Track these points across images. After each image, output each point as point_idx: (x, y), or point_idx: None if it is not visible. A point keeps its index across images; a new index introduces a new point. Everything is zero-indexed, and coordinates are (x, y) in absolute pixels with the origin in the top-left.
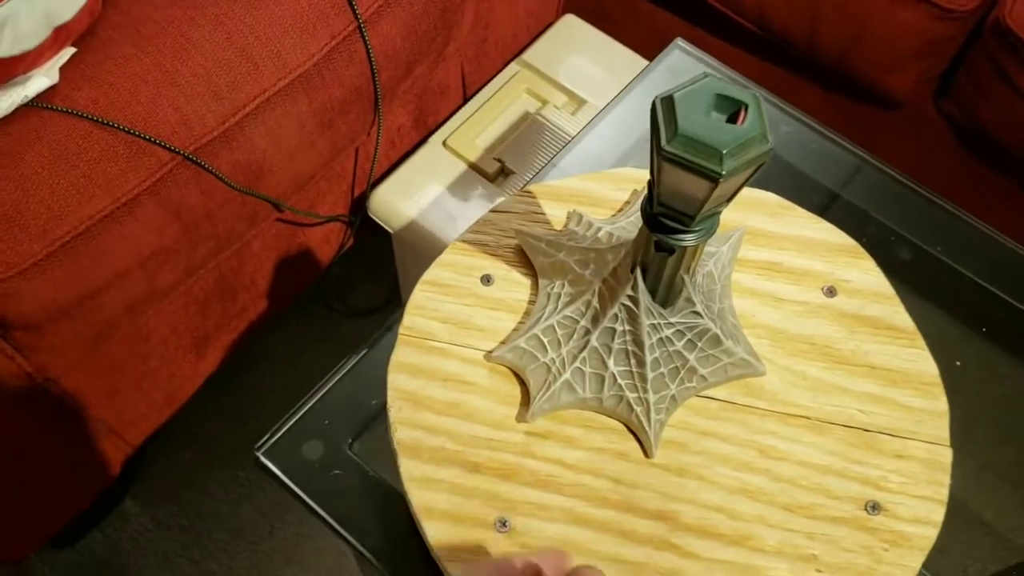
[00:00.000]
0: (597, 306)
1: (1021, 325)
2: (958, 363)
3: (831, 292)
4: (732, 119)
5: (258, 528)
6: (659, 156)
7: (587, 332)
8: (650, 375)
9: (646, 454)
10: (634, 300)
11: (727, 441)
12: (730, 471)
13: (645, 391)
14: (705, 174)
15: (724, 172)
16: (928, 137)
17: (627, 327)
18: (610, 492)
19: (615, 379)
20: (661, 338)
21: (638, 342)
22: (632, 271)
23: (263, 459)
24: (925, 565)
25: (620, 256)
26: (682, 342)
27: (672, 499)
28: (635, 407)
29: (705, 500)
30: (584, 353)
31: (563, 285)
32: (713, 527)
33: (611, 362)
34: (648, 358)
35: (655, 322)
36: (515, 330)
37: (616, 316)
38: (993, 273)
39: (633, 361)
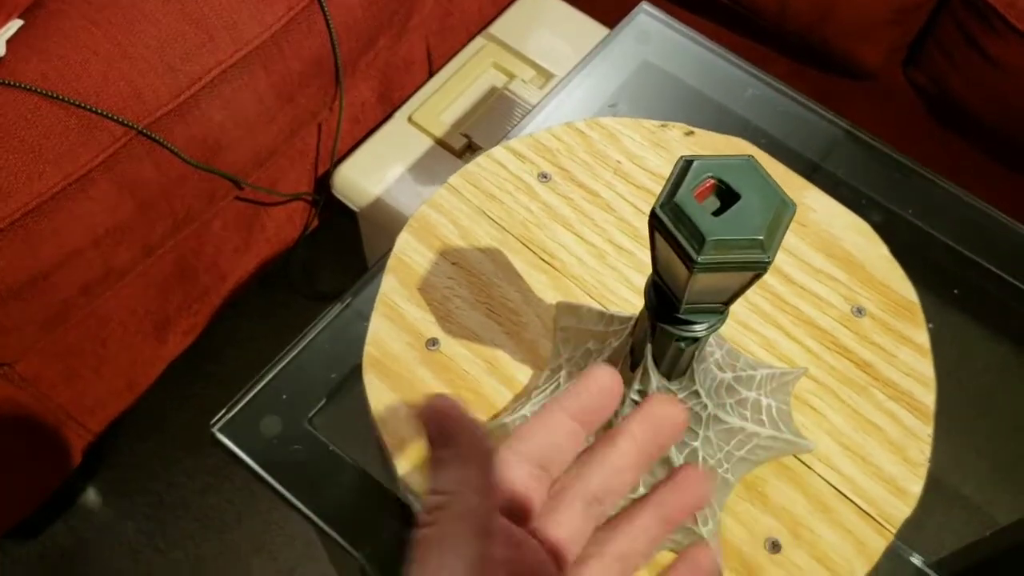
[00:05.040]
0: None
1: (992, 286)
2: (931, 325)
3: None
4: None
5: (226, 517)
6: (652, 214)
7: None
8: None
9: None
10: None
11: None
12: None
13: None
14: (683, 255)
15: (700, 261)
16: (898, 107)
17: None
18: None
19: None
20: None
21: None
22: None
23: (219, 435)
24: (902, 539)
25: (621, 337)
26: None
27: None
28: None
29: None
30: None
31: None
32: None
33: None
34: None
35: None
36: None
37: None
38: (963, 235)
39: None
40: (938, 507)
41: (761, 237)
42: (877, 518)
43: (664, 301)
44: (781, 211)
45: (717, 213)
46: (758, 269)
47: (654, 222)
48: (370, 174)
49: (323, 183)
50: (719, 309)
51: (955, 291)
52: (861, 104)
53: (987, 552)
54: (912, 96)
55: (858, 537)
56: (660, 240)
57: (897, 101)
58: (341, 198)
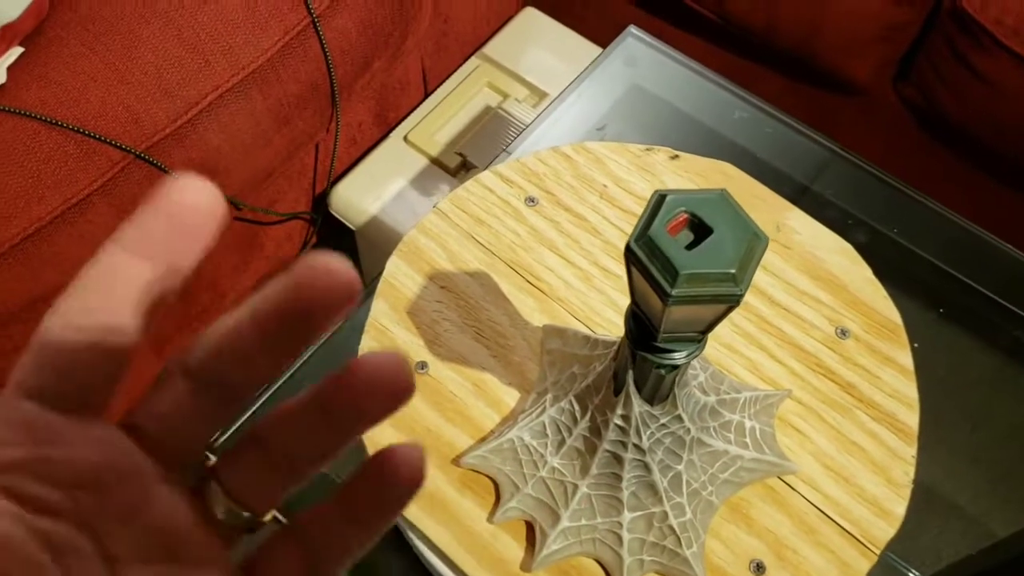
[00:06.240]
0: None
1: (977, 305)
2: (916, 345)
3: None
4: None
5: None
6: (627, 249)
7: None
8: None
9: None
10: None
11: None
12: None
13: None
14: (657, 288)
15: (673, 295)
16: (889, 123)
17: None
18: None
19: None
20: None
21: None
22: (618, 380)
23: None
24: (898, 552)
25: (605, 362)
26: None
27: None
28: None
29: None
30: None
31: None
32: None
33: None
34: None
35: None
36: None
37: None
38: (948, 254)
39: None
40: (934, 520)
41: (733, 270)
42: (861, 539)
43: (643, 330)
44: (753, 244)
45: (691, 247)
46: (731, 301)
47: (629, 256)
48: (367, 193)
49: (320, 202)
50: (696, 338)
51: (940, 310)
52: (852, 119)
53: (984, 564)
54: (902, 111)
55: (842, 558)
56: (636, 273)
57: (887, 116)
58: (339, 217)
